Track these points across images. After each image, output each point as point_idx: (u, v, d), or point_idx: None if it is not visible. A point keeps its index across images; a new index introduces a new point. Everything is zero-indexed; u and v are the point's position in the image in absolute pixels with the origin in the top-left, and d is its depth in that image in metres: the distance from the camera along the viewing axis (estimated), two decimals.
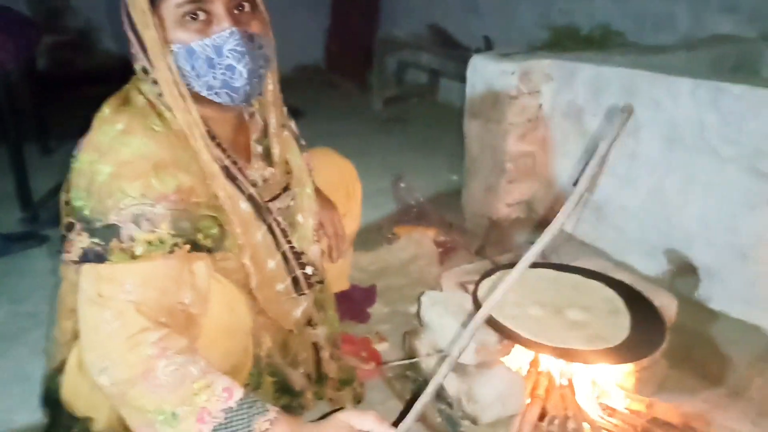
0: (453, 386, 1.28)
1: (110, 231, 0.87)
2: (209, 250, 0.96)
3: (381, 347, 1.62)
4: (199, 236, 0.93)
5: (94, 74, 4.87)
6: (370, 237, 2.27)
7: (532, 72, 2.03)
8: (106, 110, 0.95)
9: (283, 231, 1.11)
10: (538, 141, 2.13)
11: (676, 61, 2.26)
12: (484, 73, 2.10)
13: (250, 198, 1.04)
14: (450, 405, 1.28)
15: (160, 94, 0.94)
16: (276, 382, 1.24)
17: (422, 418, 1.38)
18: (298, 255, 1.15)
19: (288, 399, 1.27)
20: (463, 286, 1.48)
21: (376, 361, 1.55)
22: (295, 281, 1.15)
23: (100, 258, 0.87)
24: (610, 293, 1.40)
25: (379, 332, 1.68)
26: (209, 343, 0.97)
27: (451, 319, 1.33)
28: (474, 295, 1.37)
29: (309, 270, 1.17)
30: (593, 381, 1.37)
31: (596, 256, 1.82)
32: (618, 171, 1.83)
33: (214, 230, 0.96)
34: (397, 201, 2.54)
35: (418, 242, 2.14)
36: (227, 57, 0.92)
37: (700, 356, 1.57)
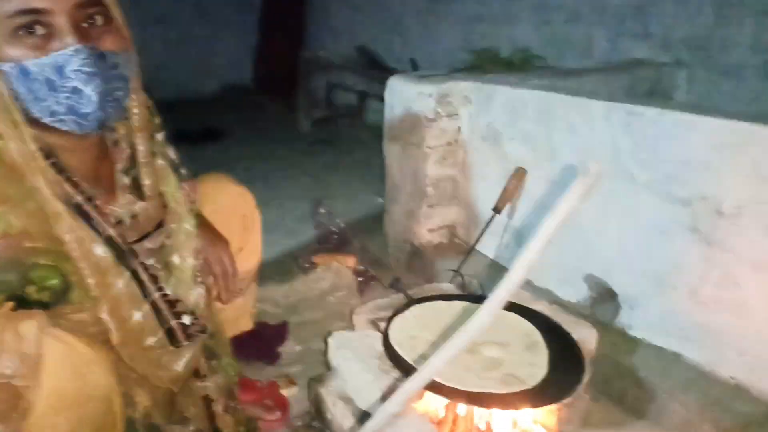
0: None
1: None
2: (45, 306, 0.81)
3: (290, 392, 1.48)
4: (31, 290, 0.78)
5: None
6: (286, 267, 2.15)
7: (450, 94, 1.97)
8: None
9: (153, 276, 0.97)
10: (458, 164, 2.06)
11: (592, 84, 2.26)
12: (402, 95, 2.03)
13: (109, 240, 0.89)
14: None
15: None
16: None
17: None
18: (172, 303, 1.00)
19: None
20: (374, 323, 1.37)
21: (282, 409, 1.41)
22: (171, 332, 1.00)
23: None
24: (528, 327, 1.32)
25: (289, 375, 1.55)
26: (51, 416, 0.80)
27: (360, 363, 1.21)
28: (384, 334, 1.27)
29: (186, 319, 1.02)
30: (514, 422, 1.29)
31: None
32: (535, 195, 1.78)
33: (54, 281, 0.81)
34: (316, 227, 2.41)
35: (336, 272, 2.02)
36: (71, 78, 0.78)
37: (622, 387, 1.52)
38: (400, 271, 2.10)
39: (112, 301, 0.89)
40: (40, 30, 0.78)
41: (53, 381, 0.80)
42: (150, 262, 0.97)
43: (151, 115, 1.04)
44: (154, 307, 0.96)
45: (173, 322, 1.00)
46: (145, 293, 0.95)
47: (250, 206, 1.38)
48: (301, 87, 4.68)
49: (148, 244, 0.99)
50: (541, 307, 1.44)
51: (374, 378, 1.16)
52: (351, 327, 1.46)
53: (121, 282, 0.90)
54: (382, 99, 2.19)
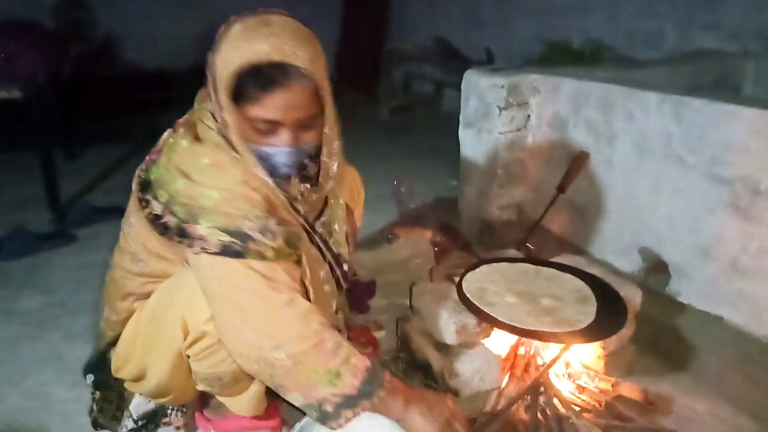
0: (437, 363, 1.45)
1: (246, 236, 1.06)
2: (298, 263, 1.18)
3: (379, 335, 1.79)
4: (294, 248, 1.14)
5: (114, 83, 5.13)
6: (372, 237, 2.45)
7: (520, 85, 2.20)
8: (182, 142, 1.13)
9: (325, 242, 1.32)
10: (526, 149, 2.30)
11: (657, 76, 2.43)
12: (477, 86, 2.28)
13: (305, 227, 1.25)
14: (435, 380, 1.45)
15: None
16: None
17: None
18: (336, 258, 1.34)
19: None
20: (450, 278, 1.65)
21: (373, 346, 1.73)
22: (338, 280, 1.34)
23: (238, 255, 1.05)
24: (580, 284, 1.56)
25: (377, 321, 1.86)
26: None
27: (438, 306, 1.50)
28: (458, 284, 1.54)
29: (345, 267, 1.37)
30: (566, 363, 1.54)
31: (577, 253, 1.99)
32: (596, 176, 2.00)
33: (299, 251, 1.18)
34: (397, 205, 2.71)
35: (415, 242, 2.31)
36: (276, 162, 1.14)
37: (667, 344, 1.73)
38: (473, 243, 2.36)
39: (311, 263, 1.23)
40: (270, 128, 1.10)
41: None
42: (321, 230, 1.31)
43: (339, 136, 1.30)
44: (329, 264, 1.31)
45: (338, 271, 1.33)
46: (323, 255, 1.30)
47: (358, 183, 1.70)
48: (382, 77, 4.98)
49: (322, 218, 1.33)
50: (594, 270, 1.67)
51: (449, 315, 1.45)
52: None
53: (313, 249, 1.26)
54: (458, 88, 2.44)
